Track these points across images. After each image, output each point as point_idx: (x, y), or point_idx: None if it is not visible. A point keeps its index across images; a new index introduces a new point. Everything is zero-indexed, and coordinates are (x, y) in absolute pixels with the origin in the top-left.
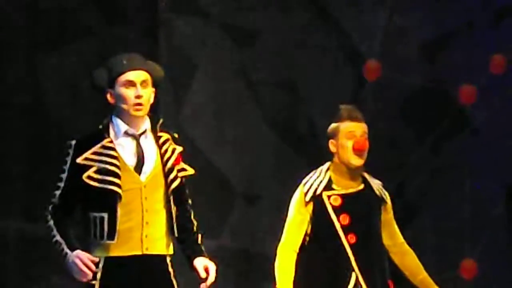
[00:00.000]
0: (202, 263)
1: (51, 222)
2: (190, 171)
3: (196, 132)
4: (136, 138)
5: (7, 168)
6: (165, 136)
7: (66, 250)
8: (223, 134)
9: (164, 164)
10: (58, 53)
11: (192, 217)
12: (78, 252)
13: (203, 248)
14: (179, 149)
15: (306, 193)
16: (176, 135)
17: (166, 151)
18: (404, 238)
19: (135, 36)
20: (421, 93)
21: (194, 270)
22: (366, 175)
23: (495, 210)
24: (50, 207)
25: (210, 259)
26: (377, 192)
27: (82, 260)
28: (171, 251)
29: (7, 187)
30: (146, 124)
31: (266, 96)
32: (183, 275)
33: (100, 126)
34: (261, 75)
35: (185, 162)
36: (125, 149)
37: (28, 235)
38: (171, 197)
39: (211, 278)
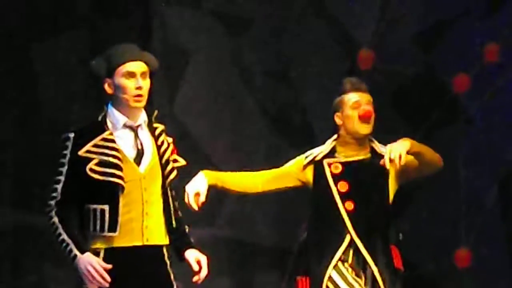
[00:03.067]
0: (194, 256)
1: (56, 219)
2: (182, 162)
3: (190, 121)
4: (134, 130)
5: None
6: (160, 127)
7: (76, 252)
8: (217, 123)
9: (161, 156)
10: (52, 43)
11: (178, 208)
12: (90, 257)
13: (191, 239)
14: (170, 140)
15: (306, 157)
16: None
17: (162, 142)
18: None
19: (129, 25)
20: (414, 82)
21: (186, 262)
22: (375, 145)
23: (489, 199)
24: (53, 203)
25: (199, 250)
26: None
27: (96, 268)
28: (167, 242)
29: None
30: (143, 116)
31: (259, 85)
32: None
33: (99, 118)
34: (254, 64)
35: (178, 151)
36: (124, 141)
37: (21, 225)
38: (169, 189)
39: (204, 271)
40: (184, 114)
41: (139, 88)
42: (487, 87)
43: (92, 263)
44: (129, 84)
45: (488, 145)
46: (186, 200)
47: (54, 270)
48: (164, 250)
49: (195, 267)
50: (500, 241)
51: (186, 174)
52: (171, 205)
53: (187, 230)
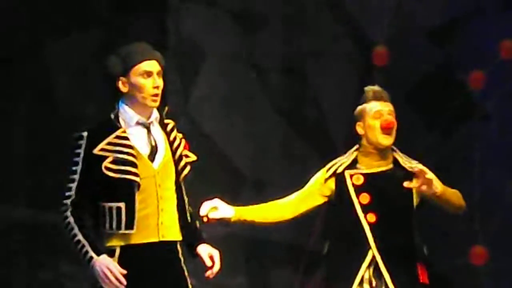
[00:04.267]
0: (206, 251)
1: (72, 219)
2: (193, 157)
3: (204, 119)
4: (147, 127)
5: (13, 155)
6: (171, 123)
7: (92, 254)
8: (231, 121)
9: (173, 152)
10: (66, 41)
11: (190, 203)
12: (106, 260)
13: (203, 234)
14: (180, 135)
15: (328, 170)
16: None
17: (174, 138)
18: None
19: (144, 23)
20: (430, 79)
21: (198, 257)
22: (398, 156)
23: (505, 196)
24: (68, 202)
25: (212, 245)
26: (408, 168)
27: (112, 271)
28: (181, 237)
29: (12, 174)
30: (155, 112)
31: (274, 83)
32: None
33: (112, 116)
34: (269, 62)
35: (192, 149)
36: (137, 138)
37: (36, 222)
38: (182, 184)
39: (217, 266)
40: (199, 113)
41: (156, 87)
42: (503, 84)
43: (108, 266)
44: (147, 83)
45: (504, 141)
46: (201, 211)
47: (70, 269)
48: (178, 246)
49: (208, 263)
50: None
51: (200, 172)
52: (186, 201)
53: (198, 225)
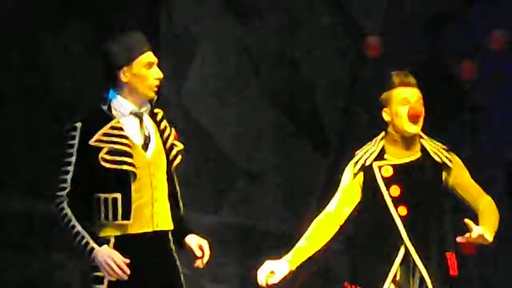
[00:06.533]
0: (195, 242)
1: (69, 211)
2: (180, 146)
3: (198, 109)
4: (139, 116)
5: (8, 146)
6: (160, 112)
7: (93, 244)
8: (225, 110)
9: (164, 141)
10: (60, 31)
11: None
12: (109, 250)
13: (190, 224)
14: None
15: (355, 163)
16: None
17: (165, 128)
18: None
19: (137, 12)
20: (421, 69)
21: (186, 247)
22: (425, 141)
23: (495, 188)
24: (64, 193)
25: (205, 236)
26: (437, 158)
27: (116, 261)
28: (172, 227)
29: (7, 165)
30: (146, 102)
31: (267, 72)
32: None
33: (104, 106)
34: (262, 51)
35: (184, 139)
36: (131, 128)
37: (26, 212)
38: (174, 174)
39: (207, 255)
40: (192, 103)
41: (158, 78)
42: (493, 74)
43: (112, 256)
44: (149, 74)
45: (494, 132)
46: (259, 281)
47: (61, 257)
48: (170, 235)
49: (198, 253)
50: (506, 230)
51: (192, 161)
52: (178, 190)
53: (183, 215)
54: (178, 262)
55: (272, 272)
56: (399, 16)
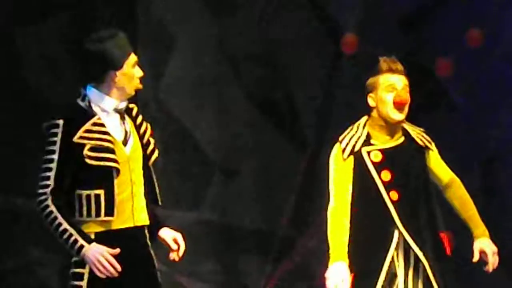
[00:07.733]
0: (170, 235)
1: (54, 208)
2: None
3: (175, 105)
4: (120, 112)
5: None
6: (135, 108)
7: (82, 242)
8: (202, 108)
9: (141, 137)
10: (36, 27)
11: None
12: (98, 247)
13: (163, 218)
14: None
15: (344, 150)
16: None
17: (141, 123)
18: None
19: (113, 9)
20: None
21: (161, 240)
22: (406, 125)
23: (472, 184)
24: (48, 191)
25: (183, 233)
26: (419, 141)
27: (107, 258)
28: (148, 222)
29: None
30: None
31: (244, 69)
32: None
33: (83, 103)
34: (239, 48)
35: (161, 135)
36: (111, 124)
37: (4, 208)
38: (152, 169)
39: (182, 248)
40: (169, 99)
41: (140, 77)
42: (469, 72)
43: (102, 253)
44: (135, 73)
45: (471, 129)
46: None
47: (41, 255)
48: (146, 230)
49: (174, 246)
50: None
51: (169, 159)
52: (156, 185)
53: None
54: (154, 257)
55: (342, 280)
56: (376, 13)
